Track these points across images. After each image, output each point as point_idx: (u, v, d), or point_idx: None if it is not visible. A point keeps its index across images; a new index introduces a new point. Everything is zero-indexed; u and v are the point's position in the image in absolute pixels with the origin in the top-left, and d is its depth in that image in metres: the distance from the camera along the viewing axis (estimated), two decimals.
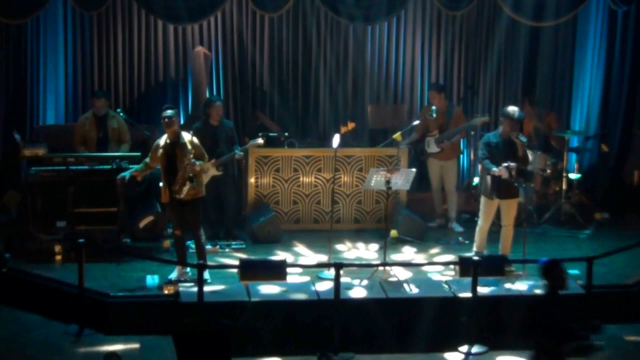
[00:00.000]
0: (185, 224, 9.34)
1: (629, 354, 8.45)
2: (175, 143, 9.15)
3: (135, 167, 9.59)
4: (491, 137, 9.67)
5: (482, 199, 9.79)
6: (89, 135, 10.81)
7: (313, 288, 8.67)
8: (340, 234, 10.91)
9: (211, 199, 10.47)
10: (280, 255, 9.84)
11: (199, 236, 9.32)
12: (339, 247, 10.62)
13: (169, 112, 9.15)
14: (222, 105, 10.90)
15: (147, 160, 9.42)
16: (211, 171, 10.35)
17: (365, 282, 8.92)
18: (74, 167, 10.16)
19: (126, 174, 9.59)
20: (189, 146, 9.12)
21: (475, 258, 8.68)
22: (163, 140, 9.24)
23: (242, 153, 10.64)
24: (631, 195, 12.22)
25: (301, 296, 8.50)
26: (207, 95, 11.90)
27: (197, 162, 9.04)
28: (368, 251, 10.57)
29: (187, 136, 9.21)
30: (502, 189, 9.53)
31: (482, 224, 9.80)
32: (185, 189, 9.09)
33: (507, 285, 8.79)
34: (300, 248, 10.63)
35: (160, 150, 9.22)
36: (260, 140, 10.72)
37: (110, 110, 11.07)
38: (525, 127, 11.47)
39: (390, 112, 12.39)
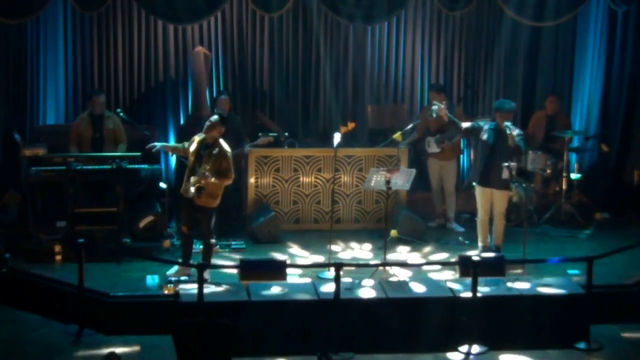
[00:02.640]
0: (195, 225, 9.38)
1: (629, 354, 8.45)
2: (208, 147, 9.18)
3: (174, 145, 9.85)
4: (489, 125, 9.99)
5: (477, 190, 10.03)
6: (85, 134, 10.82)
7: (313, 288, 8.67)
8: (340, 234, 10.92)
9: None
10: (280, 255, 9.85)
11: (209, 243, 9.36)
12: (339, 247, 10.62)
13: (214, 117, 9.24)
14: (229, 99, 10.96)
15: (186, 144, 9.49)
16: None
17: (365, 282, 8.92)
18: (74, 167, 10.15)
19: (157, 145, 9.67)
20: (218, 158, 9.11)
21: (475, 258, 8.68)
22: (201, 137, 9.30)
23: (250, 148, 10.77)
24: (631, 195, 12.22)
25: (301, 296, 8.50)
26: (207, 95, 11.93)
27: (210, 176, 9.04)
28: (368, 251, 10.57)
29: (225, 148, 9.19)
30: (492, 178, 9.80)
31: (481, 216, 10.06)
32: (192, 193, 9.13)
33: (507, 285, 8.78)
34: (300, 248, 10.62)
35: (194, 145, 9.29)
36: (270, 138, 10.80)
37: (107, 110, 11.08)
38: (562, 121, 12.09)
39: (390, 112, 12.39)
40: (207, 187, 9.10)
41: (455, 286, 8.69)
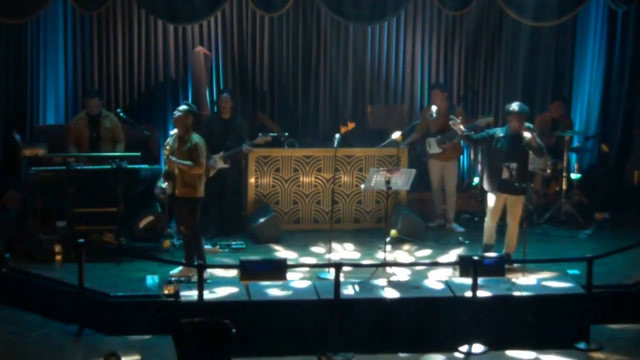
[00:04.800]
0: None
1: (629, 354, 8.45)
2: (179, 138, 9.23)
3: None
4: (498, 132, 9.81)
5: (489, 195, 9.87)
6: (82, 134, 10.82)
7: (313, 288, 8.67)
8: (340, 234, 10.91)
9: (214, 190, 10.61)
10: (280, 255, 9.85)
11: (192, 237, 9.34)
12: (339, 247, 10.62)
13: (181, 107, 9.29)
14: (230, 98, 11.01)
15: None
16: (218, 163, 10.72)
17: (365, 282, 8.92)
18: (74, 167, 10.15)
19: (162, 184, 9.68)
20: (185, 144, 9.14)
21: (475, 258, 8.68)
22: (174, 132, 9.37)
23: (249, 147, 10.80)
24: (631, 195, 12.22)
25: (301, 296, 8.50)
26: (207, 95, 11.94)
27: (173, 158, 9.09)
28: (368, 251, 10.57)
29: (194, 137, 9.22)
30: (508, 184, 9.62)
31: (488, 220, 9.91)
32: (169, 190, 9.22)
33: (507, 285, 8.78)
34: (299, 248, 10.62)
35: (170, 143, 9.35)
36: (268, 137, 10.82)
37: (104, 109, 11.08)
38: (566, 124, 12.06)
39: (390, 112, 12.39)
40: (182, 176, 9.11)
41: (455, 286, 8.69)
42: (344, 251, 10.54)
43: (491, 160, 9.93)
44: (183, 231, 9.43)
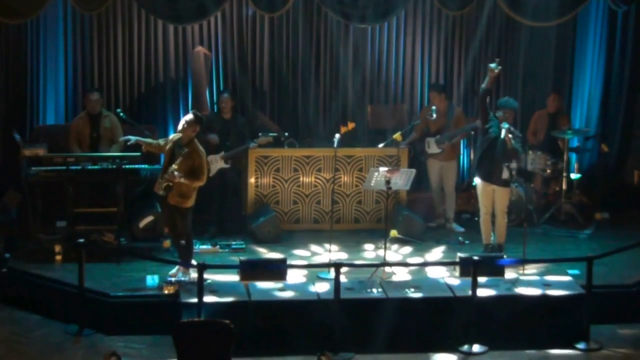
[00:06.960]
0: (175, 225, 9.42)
1: (628, 354, 8.45)
2: (182, 146, 9.17)
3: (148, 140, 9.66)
4: (495, 122, 9.92)
5: (478, 186, 10.01)
6: (82, 134, 10.82)
7: (313, 288, 8.67)
8: (340, 234, 10.91)
9: (214, 190, 10.64)
10: (280, 255, 9.86)
11: (186, 244, 9.33)
12: (339, 247, 10.62)
13: (188, 116, 9.23)
14: (230, 98, 11.01)
15: (161, 141, 9.49)
16: (219, 163, 10.74)
17: (365, 282, 8.92)
18: (74, 167, 10.16)
19: (132, 138, 9.54)
20: (190, 158, 9.08)
21: (475, 258, 8.68)
22: (177, 136, 9.29)
23: (256, 144, 10.84)
24: (631, 195, 12.22)
25: (301, 296, 8.50)
26: (207, 95, 11.93)
27: (179, 175, 9.01)
28: (368, 251, 10.57)
29: (198, 149, 9.16)
30: (494, 175, 9.78)
31: (483, 215, 10.04)
32: (161, 191, 9.17)
33: (507, 285, 8.79)
34: (300, 248, 10.62)
35: (169, 145, 9.29)
36: (269, 137, 10.85)
37: (104, 109, 11.09)
38: (563, 120, 12.01)
39: (390, 112, 12.38)
40: (179, 187, 9.06)
41: (455, 286, 8.69)
42: (344, 251, 10.53)
43: (482, 147, 10.03)
44: (168, 232, 9.46)
